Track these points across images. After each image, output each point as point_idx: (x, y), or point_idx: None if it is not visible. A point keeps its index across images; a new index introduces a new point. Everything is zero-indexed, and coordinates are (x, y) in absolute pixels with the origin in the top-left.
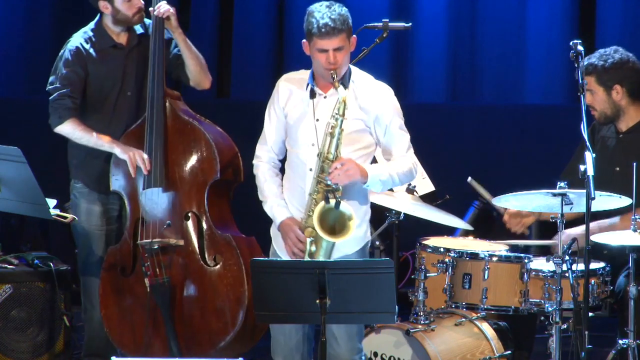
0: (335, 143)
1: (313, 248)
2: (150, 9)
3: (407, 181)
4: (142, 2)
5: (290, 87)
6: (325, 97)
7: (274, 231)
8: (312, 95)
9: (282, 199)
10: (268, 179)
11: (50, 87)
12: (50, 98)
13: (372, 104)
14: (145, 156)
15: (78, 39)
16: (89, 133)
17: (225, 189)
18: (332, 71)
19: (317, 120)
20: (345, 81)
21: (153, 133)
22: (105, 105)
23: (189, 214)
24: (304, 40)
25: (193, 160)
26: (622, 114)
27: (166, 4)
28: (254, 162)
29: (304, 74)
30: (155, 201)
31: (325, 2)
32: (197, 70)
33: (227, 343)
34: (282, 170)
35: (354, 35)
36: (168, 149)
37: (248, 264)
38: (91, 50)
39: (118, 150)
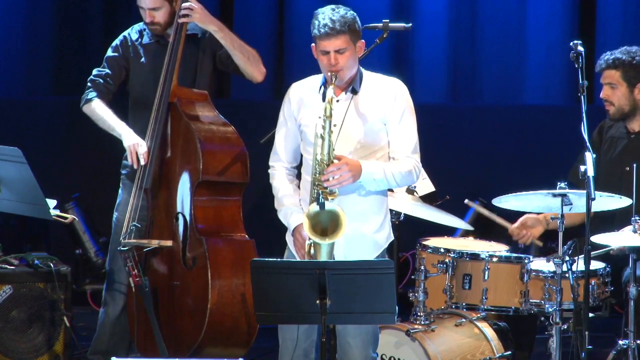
0: (327, 145)
1: (312, 250)
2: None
3: (406, 184)
4: (155, 18)
5: (301, 93)
6: (337, 101)
7: (289, 237)
8: (325, 98)
9: (297, 205)
10: (282, 188)
11: (97, 68)
12: (90, 77)
13: (384, 100)
14: (142, 150)
15: (132, 29)
16: (107, 117)
17: (224, 190)
18: (331, 73)
19: (334, 125)
20: (355, 85)
21: (153, 133)
22: (149, 101)
23: (178, 215)
24: (313, 44)
25: (185, 162)
26: (638, 113)
27: (188, 4)
28: (269, 171)
29: (314, 79)
30: (153, 202)
31: (332, 5)
32: (243, 63)
33: (198, 346)
34: (298, 176)
35: (362, 40)
36: (169, 150)
37: (222, 267)
38: (137, 42)
39: (124, 138)
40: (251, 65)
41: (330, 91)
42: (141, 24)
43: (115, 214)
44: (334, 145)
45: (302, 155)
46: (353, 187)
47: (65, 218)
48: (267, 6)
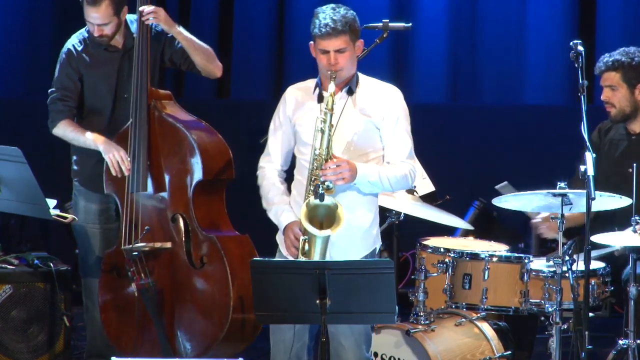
0: (327, 139)
1: (307, 247)
2: (140, 8)
3: (400, 188)
4: (104, 31)
5: (297, 96)
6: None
7: (280, 237)
8: (320, 99)
9: (287, 203)
10: (271, 188)
11: (50, 90)
12: (47, 102)
13: (380, 105)
14: (125, 156)
15: (73, 40)
16: (79, 133)
17: (215, 188)
18: (330, 71)
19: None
20: (352, 86)
21: (136, 137)
22: (103, 108)
23: (176, 216)
24: (311, 42)
25: (177, 162)
26: (639, 114)
27: (150, 7)
28: (258, 172)
29: (311, 82)
30: (142, 205)
31: (333, 4)
32: (203, 62)
33: (218, 344)
34: (287, 180)
35: (361, 39)
36: (152, 152)
37: (235, 263)
38: (84, 52)
39: (102, 149)
40: (211, 63)
41: (332, 86)
42: (82, 31)
43: (78, 223)
44: (332, 140)
45: (294, 157)
46: (347, 184)
47: (65, 218)
48: (267, 6)
